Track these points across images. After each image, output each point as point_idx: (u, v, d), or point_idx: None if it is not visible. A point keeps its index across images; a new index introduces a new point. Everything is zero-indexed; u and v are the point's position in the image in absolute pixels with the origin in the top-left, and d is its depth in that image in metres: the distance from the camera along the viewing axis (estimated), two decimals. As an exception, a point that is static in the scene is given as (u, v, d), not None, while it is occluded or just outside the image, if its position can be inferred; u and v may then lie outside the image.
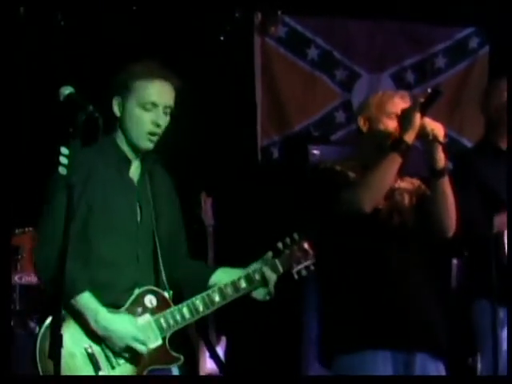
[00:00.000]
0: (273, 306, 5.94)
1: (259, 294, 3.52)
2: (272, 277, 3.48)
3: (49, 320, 3.02)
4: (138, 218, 3.32)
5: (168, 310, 3.30)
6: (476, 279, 3.97)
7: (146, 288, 3.29)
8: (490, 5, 5.87)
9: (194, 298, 3.36)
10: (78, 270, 3.09)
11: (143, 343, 3.18)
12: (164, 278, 3.34)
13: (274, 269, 3.49)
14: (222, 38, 6.30)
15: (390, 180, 3.34)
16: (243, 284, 3.45)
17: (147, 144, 3.31)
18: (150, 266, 3.33)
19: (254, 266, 3.49)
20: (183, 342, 3.44)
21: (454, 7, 6.19)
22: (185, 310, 3.33)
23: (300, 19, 6.52)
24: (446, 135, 3.32)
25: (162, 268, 3.33)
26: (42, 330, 3.08)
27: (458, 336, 3.55)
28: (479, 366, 4.29)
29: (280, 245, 3.45)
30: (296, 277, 3.51)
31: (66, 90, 3.09)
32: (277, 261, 3.49)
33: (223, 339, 5.56)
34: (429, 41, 6.65)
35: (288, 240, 3.46)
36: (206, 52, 6.19)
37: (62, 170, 3.09)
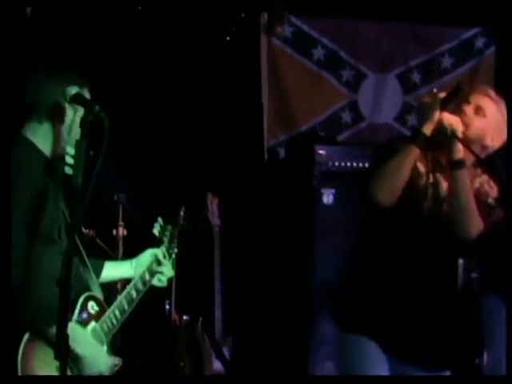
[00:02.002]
0: (279, 306, 6.00)
1: (158, 281, 3.63)
2: (166, 263, 3.60)
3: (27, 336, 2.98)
4: (62, 221, 3.19)
5: (106, 314, 3.30)
6: (488, 277, 3.96)
7: (87, 294, 3.23)
8: (496, 5, 5.85)
9: (120, 298, 3.40)
10: (49, 294, 2.92)
11: (106, 369, 3.18)
12: (95, 279, 3.33)
13: (164, 255, 3.61)
14: (228, 39, 6.30)
15: (406, 171, 3.32)
16: (147, 276, 3.54)
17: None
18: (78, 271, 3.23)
19: (145, 256, 3.60)
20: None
21: (460, 7, 6.17)
22: (117, 312, 3.35)
23: (306, 19, 6.51)
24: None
25: (90, 268, 3.32)
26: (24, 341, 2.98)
27: (465, 336, 3.53)
28: (485, 364, 4.29)
29: (156, 231, 3.58)
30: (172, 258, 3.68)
31: (72, 90, 3.09)
32: (163, 247, 3.62)
33: (229, 340, 5.56)
34: (435, 41, 6.64)
35: (158, 226, 3.61)
36: (212, 52, 6.19)
37: (68, 170, 3.08)
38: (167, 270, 3.64)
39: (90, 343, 3.16)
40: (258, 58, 6.45)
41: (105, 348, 3.24)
